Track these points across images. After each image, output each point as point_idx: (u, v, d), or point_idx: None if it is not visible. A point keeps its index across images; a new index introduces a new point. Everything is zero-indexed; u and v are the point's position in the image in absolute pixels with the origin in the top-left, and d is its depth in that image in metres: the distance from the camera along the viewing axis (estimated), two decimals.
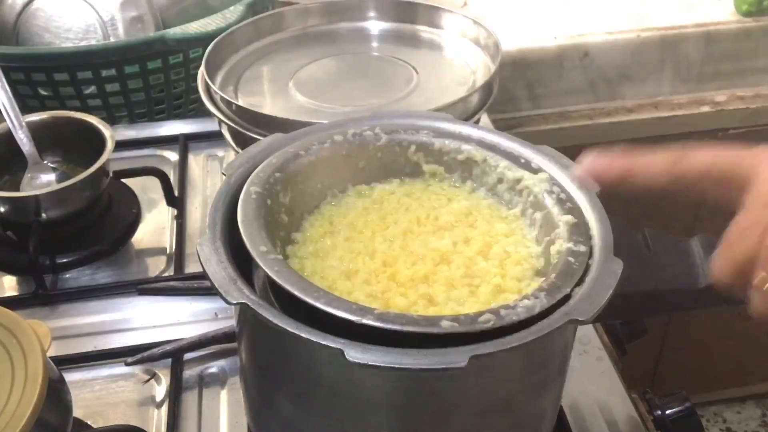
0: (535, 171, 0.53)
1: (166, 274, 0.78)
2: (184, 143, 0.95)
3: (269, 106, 0.82)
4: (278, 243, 0.49)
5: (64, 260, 0.78)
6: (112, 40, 0.99)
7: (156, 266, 0.80)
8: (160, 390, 0.66)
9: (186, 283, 0.75)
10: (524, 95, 1.21)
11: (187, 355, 0.69)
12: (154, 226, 0.85)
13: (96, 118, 0.82)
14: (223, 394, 0.66)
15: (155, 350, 0.67)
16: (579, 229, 0.48)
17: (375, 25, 0.94)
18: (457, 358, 0.39)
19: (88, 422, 0.63)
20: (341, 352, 0.40)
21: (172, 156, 0.95)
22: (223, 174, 0.52)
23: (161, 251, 0.82)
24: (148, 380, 0.67)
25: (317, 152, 0.54)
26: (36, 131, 0.80)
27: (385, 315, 0.41)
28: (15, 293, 0.77)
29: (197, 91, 0.81)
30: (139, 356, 0.67)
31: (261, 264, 0.44)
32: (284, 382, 0.48)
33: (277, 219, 0.51)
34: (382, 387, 0.44)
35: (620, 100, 1.24)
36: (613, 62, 1.20)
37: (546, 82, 1.20)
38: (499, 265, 0.50)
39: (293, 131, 0.56)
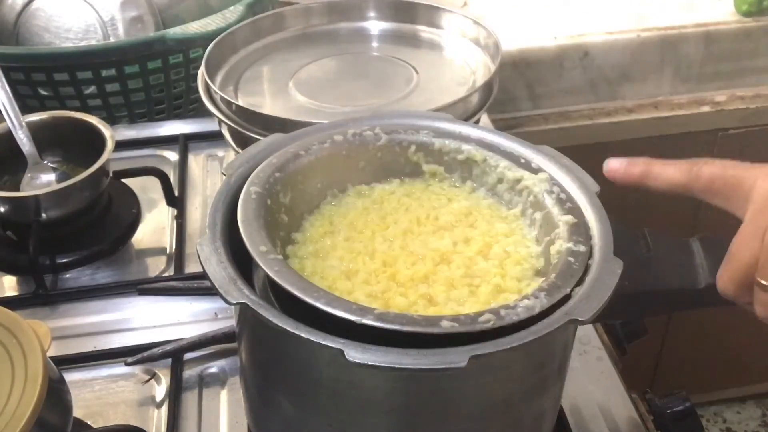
0: (535, 171, 0.53)
1: (166, 274, 0.78)
2: (184, 143, 0.95)
3: (269, 106, 0.82)
4: (278, 243, 0.49)
5: (64, 260, 0.78)
6: (112, 40, 0.99)
7: (156, 266, 0.80)
8: (160, 390, 0.66)
9: (186, 283, 0.75)
10: (524, 95, 1.21)
11: (187, 355, 0.68)
12: (154, 226, 0.85)
13: (96, 118, 0.82)
14: (223, 394, 0.66)
15: (155, 350, 0.67)
16: (579, 229, 0.48)
17: (375, 25, 0.94)
18: (457, 358, 0.39)
19: (88, 422, 0.63)
20: (341, 352, 0.40)
21: (172, 156, 0.95)
22: (223, 174, 0.52)
23: (161, 251, 0.82)
24: (148, 380, 0.67)
25: (317, 152, 0.54)
26: (36, 131, 0.80)
27: (385, 315, 0.41)
28: (15, 293, 0.77)
29: (197, 91, 0.81)
30: (139, 356, 0.67)
31: (261, 264, 0.44)
32: (284, 382, 0.48)
33: (277, 219, 0.51)
34: (382, 387, 0.44)
35: (620, 100, 1.24)
36: (613, 62, 1.20)
37: (546, 82, 1.20)
38: (499, 265, 0.50)
39: (293, 131, 0.56)
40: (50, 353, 0.55)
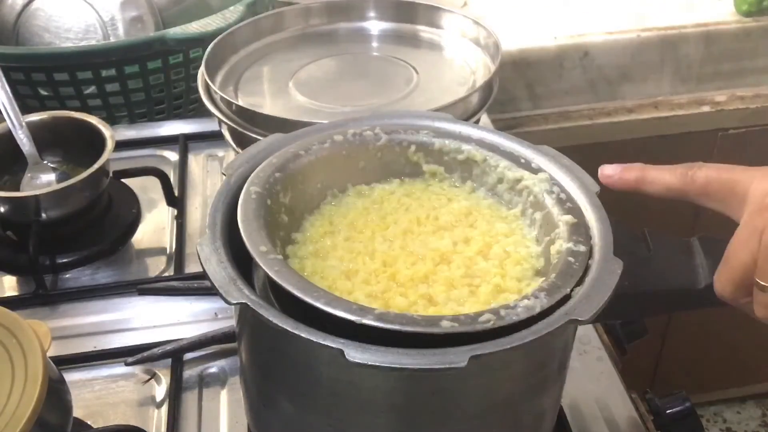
0: (535, 171, 0.53)
1: (166, 274, 0.78)
2: (184, 143, 0.95)
3: (269, 106, 0.82)
4: (278, 243, 0.49)
5: (64, 260, 0.78)
6: (112, 40, 0.99)
7: (156, 266, 0.80)
8: (160, 390, 0.66)
9: (186, 283, 0.75)
10: (524, 95, 1.21)
11: (187, 355, 0.69)
12: (154, 226, 0.85)
13: (96, 118, 0.82)
14: (223, 394, 0.66)
15: (155, 350, 0.67)
16: (579, 229, 0.48)
17: (375, 25, 0.94)
18: (457, 358, 0.39)
19: (88, 422, 0.63)
20: (341, 352, 0.40)
21: (172, 156, 0.95)
22: (223, 174, 0.52)
23: (161, 251, 0.82)
24: (148, 380, 0.67)
25: (317, 152, 0.54)
26: (36, 131, 0.80)
27: (385, 315, 0.41)
28: (15, 293, 0.77)
29: (197, 91, 0.81)
30: (139, 356, 0.67)
31: (261, 264, 0.44)
32: (284, 382, 0.48)
33: (277, 219, 0.51)
34: (382, 387, 0.44)
35: (620, 100, 1.24)
36: (613, 62, 1.20)
37: (546, 82, 1.20)
38: (499, 265, 0.50)
39: (293, 131, 0.56)
40: (50, 353, 0.55)
